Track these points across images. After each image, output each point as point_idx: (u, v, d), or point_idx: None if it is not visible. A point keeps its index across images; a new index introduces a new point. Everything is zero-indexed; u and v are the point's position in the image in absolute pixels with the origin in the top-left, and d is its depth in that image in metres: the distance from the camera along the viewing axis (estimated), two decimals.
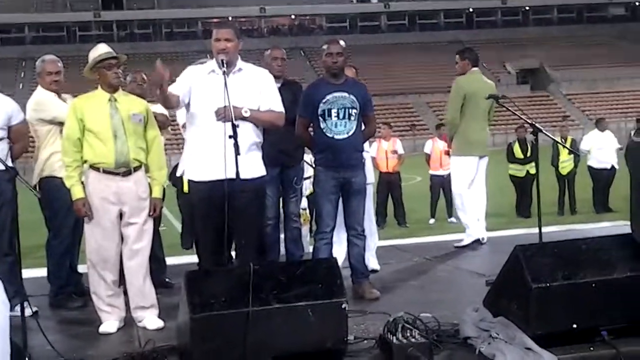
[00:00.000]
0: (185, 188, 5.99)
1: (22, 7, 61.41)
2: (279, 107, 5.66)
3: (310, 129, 6.48)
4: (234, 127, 5.02)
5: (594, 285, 4.74)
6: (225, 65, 5.35)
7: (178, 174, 6.70)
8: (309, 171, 8.14)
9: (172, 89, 5.40)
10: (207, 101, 5.42)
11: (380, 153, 14.68)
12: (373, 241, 7.34)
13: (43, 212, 6.44)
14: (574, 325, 4.67)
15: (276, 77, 6.87)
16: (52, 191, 6.17)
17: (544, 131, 6.55)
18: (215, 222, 5.27)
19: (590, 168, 15.86)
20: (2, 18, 60.00)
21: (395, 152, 14.91)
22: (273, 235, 6.87)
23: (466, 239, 8.31)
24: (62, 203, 5.98)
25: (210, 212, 5.37)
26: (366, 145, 6.94)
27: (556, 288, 4.66)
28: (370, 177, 7.17)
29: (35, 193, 5.17)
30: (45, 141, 6.33)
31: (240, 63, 5.60)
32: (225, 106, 5.19)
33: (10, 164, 5.69)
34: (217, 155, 5.21)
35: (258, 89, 5.54)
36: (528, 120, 6.75)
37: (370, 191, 7.34)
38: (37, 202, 6.08)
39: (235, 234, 5.31)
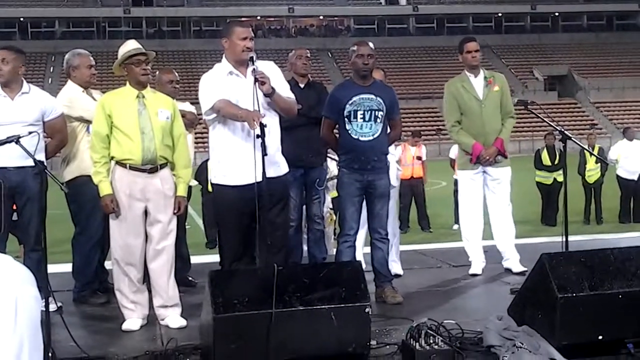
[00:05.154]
0: (210, 188, 5.99)
1: (53, 1, 61.96)
2: (292, 95, 5.66)
3: (336, 130, 6.47)
4: (262, 126, 5.01)
5: (620, 296, 4.70)
6: (254, 63, 5.34)
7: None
8: (333, 171, 8.13)
9: (224, 98, 5.36)
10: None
11: (407, 159, 14.61)
12: (395, 245, 7.29)
13: (69, 207, 6.47)
14: (600, 337, 4.64)
15: (301, 76, 6.93)
16: (79, 187, 6.19)
17: (573, 138, 6.48)
18: (243, 226, 5.28)
19: (618, 177, 15.73)
20: (33, 12, 60.60)
21: (419, 158, 14.88)
22: (295, 237, 6.87)
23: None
24: (89, 199, 6.00)
25: (238, 216, 5.38)
26: (391, 148, 6.91)
27: (582, 298, 4.62)
28: (394, 180, 7.13)
29: (63, 188, 5.18)
30: (73, 137, 6.36)
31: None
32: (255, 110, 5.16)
33: (42, 158, 5.70)
34: (245, 158, 5.22)
35: (273, 83, 5.46)
36: (557, 127, 6.69)
37: (395, 195, 7.31)
38: (63, 196, 6.09)
39: (260, 235, 5.29)
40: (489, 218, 7.51)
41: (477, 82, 7.39)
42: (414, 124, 44.78)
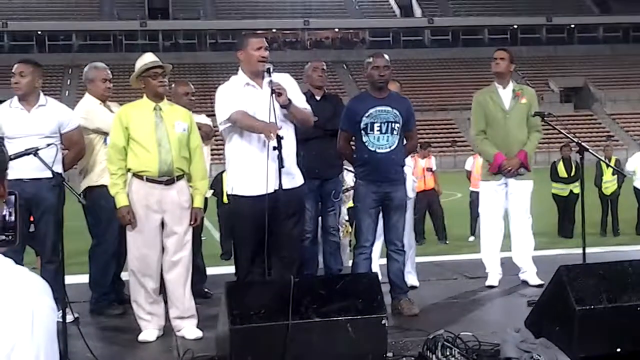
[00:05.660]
0: (225, 199, 6.01)
1: (70, 14, 62.35)
2: (308, 106, 5.67)
3: (352, 142, 6.47)
4: (279, 138, 5.02)
5: (639, 308, 4.66)
6: (270, 74, 5.36)
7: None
8: (349, 183, 8.12)
9: (241, 109, 5.38)
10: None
11: (418, 172, 14.59)
12: (411, 257, 7.27)
13: (87, 218, 6.49)
14: (618, 350, 4.60)
15: (317, 88, 6.94)
16: (96, 198, 6.21)
17: (590, 150, 6.45)
18: (258, 237, 5.28)
19: (635, 189, 15.64)
20: (50, 26, 60.97)
21: (430, 169, 14.89)
22: (311, 249, 6.86)
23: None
24: (106, 210, 6.03)
25: (253, 227, 5.38)
26: (407, 159, 6.90)
27: (600, 311, 4.59)
28: (411, 192, 7.12)
29: (80, 200, 5.20)
30: (90, 149, 6.39)
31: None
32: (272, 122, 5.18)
33: (60, 169, 5.72)
34: (261, 169, 5.23)
35: (290, 94, 5.48)
36: (574, 139, 6.66)
37: (411, 206, 7.29)
38: (81, 208, 6.11)
39: (275, 246, 5.29)
40: (507, 230, 7.47)
41: (505, 93, 7.35)
42: (429, 135, 44.70)
